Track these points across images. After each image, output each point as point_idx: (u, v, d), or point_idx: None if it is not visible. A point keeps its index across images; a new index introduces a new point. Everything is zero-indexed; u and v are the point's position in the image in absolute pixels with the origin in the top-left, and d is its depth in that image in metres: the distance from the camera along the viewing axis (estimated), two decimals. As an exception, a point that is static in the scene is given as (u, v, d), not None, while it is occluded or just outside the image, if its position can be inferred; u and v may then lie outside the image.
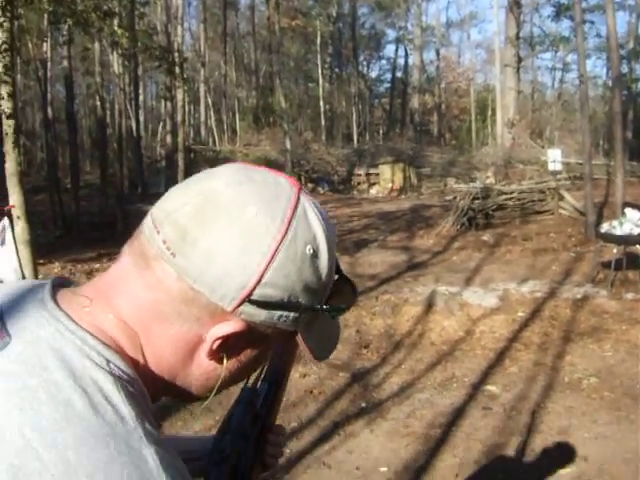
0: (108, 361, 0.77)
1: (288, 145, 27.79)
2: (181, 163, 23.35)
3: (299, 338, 0.88)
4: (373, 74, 56.94)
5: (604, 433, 5.02)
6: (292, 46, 45.95)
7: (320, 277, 0.85)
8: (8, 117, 8.83)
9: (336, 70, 47.49)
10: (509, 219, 15.26)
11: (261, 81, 42.47)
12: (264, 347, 0.89)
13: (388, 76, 54.93)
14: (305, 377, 6.33)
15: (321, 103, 42.72)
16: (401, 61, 51.01)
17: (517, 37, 29.56)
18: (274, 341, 0.88)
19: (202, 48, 36.29)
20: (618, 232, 9.26)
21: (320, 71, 43.45)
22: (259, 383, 1.27)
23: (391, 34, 53.03)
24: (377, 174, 28.07)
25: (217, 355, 0.84)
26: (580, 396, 5.75)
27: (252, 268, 0.78)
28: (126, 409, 0.75)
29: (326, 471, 4.69)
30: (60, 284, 0.88)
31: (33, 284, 0.88)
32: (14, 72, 9.34)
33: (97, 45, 20.13)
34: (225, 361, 0.85)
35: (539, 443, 4.93)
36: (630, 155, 23.94)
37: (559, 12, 32.61)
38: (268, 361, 1.27)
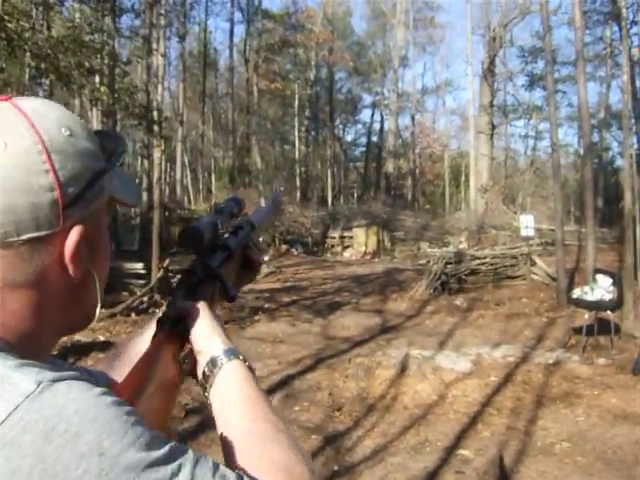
0: None
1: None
2: (156, 221, 23.24)
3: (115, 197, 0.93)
4: (349, 138, 57.45)
5: (577, 500, 4.99)
6: (269, 108, 46.34)
7: (90, 139, 0.88)
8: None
9: (312, 133, 47.84)
10: (482, 284, 15.33)
11: (238, 141, 42.55)
12: (103, 223, 0.93)
13: (363, 140, 55.45)
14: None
15: (297, 165, 43.03)
16: (377, 125, 51.61)
17: (491, 105, 30.15)
18: (104, 209, 0.92)
19: (181, 107, 36.51)
20: (589, 298, 9.35)
21: (296, 133, 43.79)
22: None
23: (367, 99, 53.76)
24: (351, 237, 28.14)
25: (83, 268, 0.87)
26: (553, 461, 5.73)
27: (47, 184, 0.80)
28: None
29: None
30: None
31: None
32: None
33: (77, 101, 20.21)
34: (90, 266, 0.88)
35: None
36: (601, 222, 24.26)
37: (532, 82, 33.48)
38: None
